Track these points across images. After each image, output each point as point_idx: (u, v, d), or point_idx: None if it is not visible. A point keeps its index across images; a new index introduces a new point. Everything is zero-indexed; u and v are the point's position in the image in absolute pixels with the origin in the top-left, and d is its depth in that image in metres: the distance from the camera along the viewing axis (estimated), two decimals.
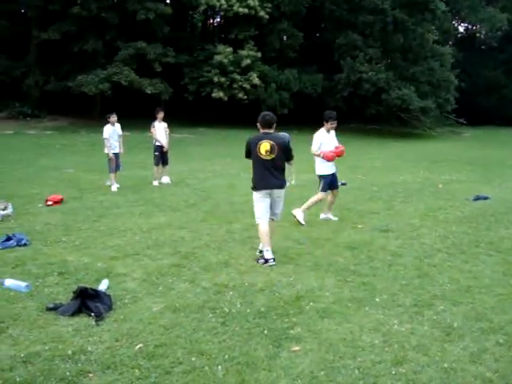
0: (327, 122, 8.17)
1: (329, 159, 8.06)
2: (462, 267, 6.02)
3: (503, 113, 47.89)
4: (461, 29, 56.28)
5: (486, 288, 5.32)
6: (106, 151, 11.25)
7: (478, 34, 55.73)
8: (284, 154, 6.22)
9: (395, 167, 16.44)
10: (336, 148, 8.17)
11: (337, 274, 5.71)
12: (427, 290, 5.24)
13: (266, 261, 6.04)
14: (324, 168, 8.21)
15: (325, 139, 8.19)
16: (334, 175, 8.40)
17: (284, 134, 6.58)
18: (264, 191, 6.20)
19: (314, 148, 8.14)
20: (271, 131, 6.29)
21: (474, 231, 7.82)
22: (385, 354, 3.89)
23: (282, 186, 6.28)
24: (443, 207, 9.66)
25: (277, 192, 6.25)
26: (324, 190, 8.27)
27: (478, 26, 53.07)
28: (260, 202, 6.24)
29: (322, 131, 8.25)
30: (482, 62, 49.30)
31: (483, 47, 53.77)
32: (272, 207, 6.31)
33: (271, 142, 6.11)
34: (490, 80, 48.82)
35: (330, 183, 8.33)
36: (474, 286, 5.36)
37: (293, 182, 6.98)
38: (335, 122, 8.27)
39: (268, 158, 6.12)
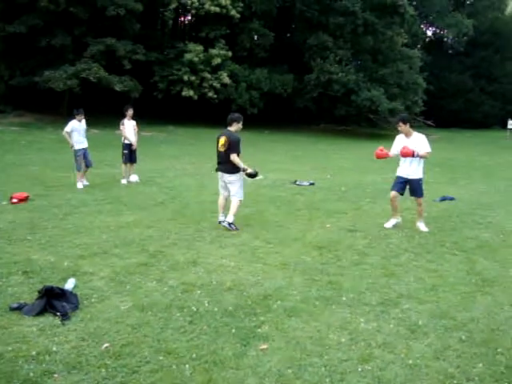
0: None
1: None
2: (427, 266, 6.13)
3: (469, 116, 49.03)
4: (429, 33, 57.23)
5: (450, 286, 5.43)
6: (74, 147, 11.06)
7: (445, 39, 56.77)
8: (230, 148, 7.58)
9: (364, 168, 16.63)
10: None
11: (304, 273, 5.75)
12: (393, 288, 5.32)
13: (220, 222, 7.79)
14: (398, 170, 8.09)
15: (399, 143, 7.95)
16: (404, 181, 7.97)
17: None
18: (218, 173, 7.86)
19: (391, 151, 8.10)
20: (230, 128, 7.70)
21: (440, 231, 7.96)
22: (351, 352, 3.93)
23: (227, 171, 7.68)
24: (410, 207, 9.79)
25: (225, 176, 7.72)
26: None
27: (446, 31, 54.11)
28: (219, 181, 7.96)
29: (400, 135, 8.03)
30: (449, 66, 50.36)
31: (450, 51, 54.86)
32: (227, 188, 7.82)
33: (225, 138, 7.58)
34: (456, 84, 49.88)
35: (396, 185, 8.05)
36: (438, 285, 5.46)
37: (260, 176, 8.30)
38: (400, 124, 7.83)
39: (221, 149, 7.64)
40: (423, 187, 8.01)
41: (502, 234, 7.84)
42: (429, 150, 7.76)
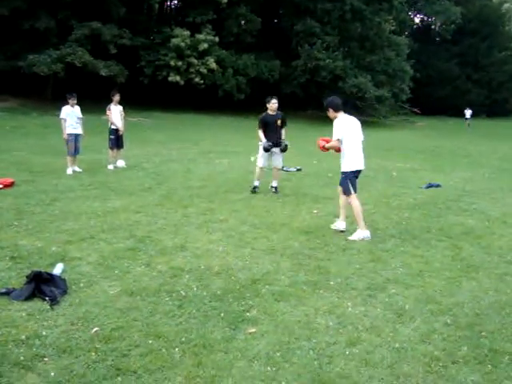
0: None
1: None
2: (413, 252, 6.20)
3: (455, 103, 49.34)
4: (417, 20, 57.38)
5: (436, 272, 5.50)
6: (66, 131, 10.95)
7: (433, 26, 56.91)
8: None
9: None
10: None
11: (292, 257, 5.79)
12: (380, 273, 5.38)
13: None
14: None
15: None
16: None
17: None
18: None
19: None
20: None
21: (426, 217, 8.04)
22: (339, 336, 3.98)
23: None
24: (397, 194, 9.89)
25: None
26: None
27: (433, 18, 54.23)
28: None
29: None
30: (436, 54, 50.56)
31: (438, 39, 55.02)
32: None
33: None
34: (443, 71, 50.13)
35: None
36: (424, 270, 5.53)
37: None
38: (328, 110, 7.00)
39: None
40: (349, 183, 6.80)
41: (487, 221, 7.94)
42: (334, 137, 6.79)
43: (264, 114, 9.47)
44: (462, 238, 6.88)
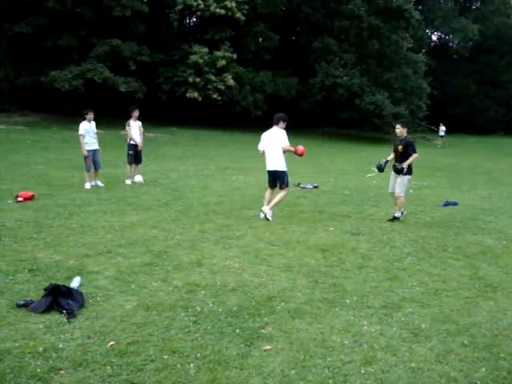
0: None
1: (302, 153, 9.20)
2: (430, 271, 6.15)
3: (473, 121, 49.06)
4: (434, 37, 57.38)
5: (453, 291, 5.45)
6: (85, 148, 11.04)
7: (450, 44, 56.84)
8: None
9: (367, 171, 16.62)
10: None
11: (308, 275, 5.78)
12: (396, 292, 5.34)
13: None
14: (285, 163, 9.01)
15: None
16: None
17: None
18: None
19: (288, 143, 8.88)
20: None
21: (443, 236, 7.98)
22: (354, 354, 3.95)
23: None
24: (414, 212, 9.83)
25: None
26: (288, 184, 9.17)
27: (451, 36, 54.19)
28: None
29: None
30: (453, 71, 50.41)
31: (455, 56, 54.88)
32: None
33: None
34: (460, 89, 49.91)
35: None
36: (441, 289, 5.48)
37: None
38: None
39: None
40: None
41: (505, 240, 7.85)
42: None
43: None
44: (479, 257, 6.82)
